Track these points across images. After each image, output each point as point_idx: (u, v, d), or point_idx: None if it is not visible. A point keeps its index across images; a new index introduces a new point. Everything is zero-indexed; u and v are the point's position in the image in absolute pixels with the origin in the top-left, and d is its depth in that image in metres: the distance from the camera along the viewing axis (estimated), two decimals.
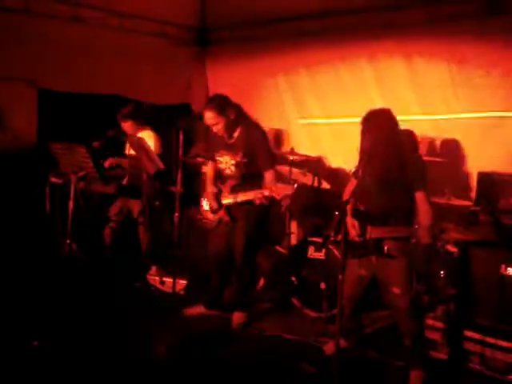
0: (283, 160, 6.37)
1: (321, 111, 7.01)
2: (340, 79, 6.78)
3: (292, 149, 6.18)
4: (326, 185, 6.20)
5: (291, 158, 6.04)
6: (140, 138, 5.47)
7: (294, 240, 6.34)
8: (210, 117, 4.82)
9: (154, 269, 6.12)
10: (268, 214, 5.13)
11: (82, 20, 6.69)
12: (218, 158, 5.11)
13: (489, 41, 5.57)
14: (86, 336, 4.58)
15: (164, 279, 5.89)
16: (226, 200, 5.01)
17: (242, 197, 4.83)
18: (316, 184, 6.08)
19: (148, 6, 7.22)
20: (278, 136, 7.35)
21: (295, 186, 4.45)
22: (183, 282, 5.33)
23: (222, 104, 4.84)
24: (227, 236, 5.13)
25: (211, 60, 8.17)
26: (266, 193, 4.52)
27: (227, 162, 5.00)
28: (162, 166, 5.27)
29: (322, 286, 5.30)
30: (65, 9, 6.53)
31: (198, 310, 5.27)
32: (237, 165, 4.94)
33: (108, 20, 6.96)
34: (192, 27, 7.95)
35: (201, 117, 4.87)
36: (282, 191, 4.43)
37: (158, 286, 5.87)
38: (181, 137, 4.48)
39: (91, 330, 4.69)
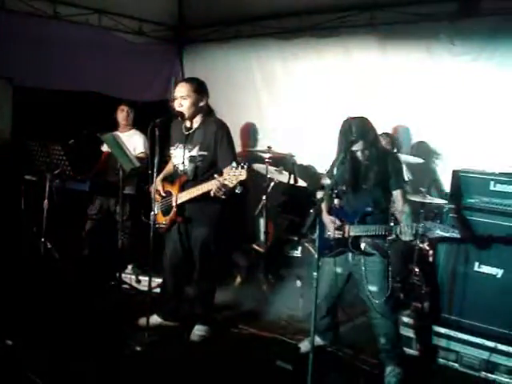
0: (259, 158, 6.39)
1: (298, 109, 7.02)
2: (317, 77, 6.80)
3: (269, 147, 6.21)
4: (302, 182, 6.22)
5: (267, 155, 6.06)
6: (115, 135, 5.44)
7: (271, 238, 6.35)
8: (182, 87, 4.55)
9: (130, 267, 6.09)
10: (227, 212, 4.69)
11: (60, 17, 6.63)
12: (171, 152, 4.76)
13: (464, 41, 5.64)
14: (55, 334, 4.54)
15: (140, 278, 5.87)
16: (178, 200, 4.62)
17: (195, 191, 4.46)
18: (292, 181, 6.10)
19: (126, 4, 7.18)
20: (254, 131, 7.38)
21: (246, 167, 4.02)
22: (159, 281, 5.28)
23: (200, 85, 4.60)
24: (182, 241, 4.78)
25: (189, 57, 8.16)
26: (218, 182, 4.15)
27: (182, 156, 4.65)
28: (136, 163, 5.23)
29: (298, 283, 5.31)
30: (43, 5, 6.46)
31: (154, 320, 4.84)
32: (191, 159, 4.60)
33: (86, 17, 6.90)
34: (169, 25, 7.93)
35: (179, 113, 4.54)
36: (234, 178, 4.05)
37: (134, 284, 5.84)
38: (156, 135, 4.36)
39: (61, 328, 4.65)
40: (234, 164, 4.09)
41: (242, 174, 4.04)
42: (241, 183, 4.09)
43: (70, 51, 6.69)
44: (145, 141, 6.05)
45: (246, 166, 4.04)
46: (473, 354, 4.37)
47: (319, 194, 3.60)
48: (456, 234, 3.79)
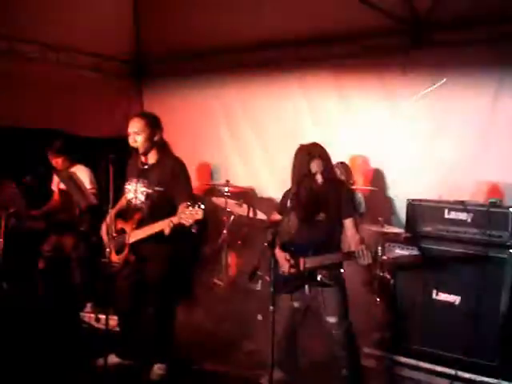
0: (219, 192, 6.39)
1: (257, 144, 7.07)
2: (275, 110, 6.86)
3: (227, 181, 6.22)
4: (261, 215, 6.23)
5: (226, 189, 6.07)
6: (71, 173, 5.39)
7: (233, 271, 6.31)
8: (136, 123, 4.47)
9: (88, 306, 5.97)
10: (185, 251, 4.68)
11: (17, 54, 6.58)
12: (126, 187, 4.65)
13: (416, 72, 5.75)
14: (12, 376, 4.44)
15: (99, 316, 5.75)
16: (132, 238, 4.50)
17: (149, 230, 4.37)
18: (251, 215, 6.10)
19: (83, 40, 7.14)
20: (214, 170, 7.38)
21: (203, 208, 3.99)
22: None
23: (154, 120, 4.55)
24: (133, 278, 4.66)
25: (148, 92, 8.16)
26: (175, 220, 4.12)
27: (136, 191, 4.54)
28: (94, 200, 5.17)
29: (259, 317, 5.27)
30: None
31: (112, 360, 4.69)
32: (147, 195, 4.49)
33: (43, 54, 6.86)
34: (127, 60, 7.92)
35: (134, 149, 4.48)
36: (191, 217, 4.02)
37: (93, 323, 5.73)
38: (111, 170, 4.27)
39: (19, 370, 4.53)
40: (190, 203, 4.05)
41: (199, 214, 4.00)
42: (197, 222, 4.05)
43: (27, 88, 6.61)
44: (91, 176, 5.98)
45: (202, 206, 4.00)
46: (435, 382, 4.38)
47: (269, 236, 3.56)
48: (416, 252, 3.80)
